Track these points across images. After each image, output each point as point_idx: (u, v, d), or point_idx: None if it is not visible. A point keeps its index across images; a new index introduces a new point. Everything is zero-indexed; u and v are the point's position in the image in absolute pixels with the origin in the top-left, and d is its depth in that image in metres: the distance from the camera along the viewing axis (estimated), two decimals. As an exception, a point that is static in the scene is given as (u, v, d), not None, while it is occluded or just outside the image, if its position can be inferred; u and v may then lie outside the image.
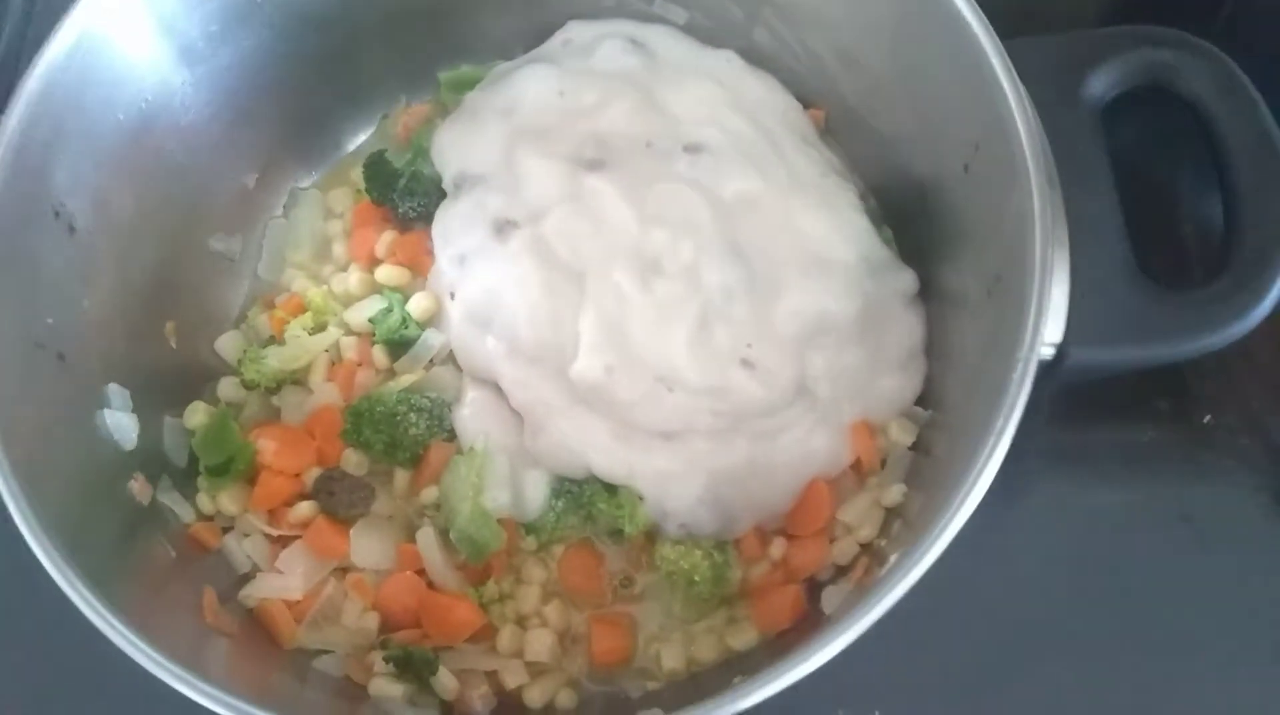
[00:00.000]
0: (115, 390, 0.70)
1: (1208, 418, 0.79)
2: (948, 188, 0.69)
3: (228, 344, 0.81)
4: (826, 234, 0.74)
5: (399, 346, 0.77)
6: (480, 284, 0.74)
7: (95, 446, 0.68)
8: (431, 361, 0.77)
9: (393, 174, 0.81)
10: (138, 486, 0.70)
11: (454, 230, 0.77)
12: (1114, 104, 0.64)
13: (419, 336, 0.77)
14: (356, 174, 0.84)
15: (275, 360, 0.76)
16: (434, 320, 0.78)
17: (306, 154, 0.86)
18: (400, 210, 0.81)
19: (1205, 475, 0.78)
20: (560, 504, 0.73)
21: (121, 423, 0.70)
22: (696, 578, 0.70)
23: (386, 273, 0.79)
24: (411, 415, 0.73)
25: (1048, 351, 0.57)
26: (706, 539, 0.71)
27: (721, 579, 0.70)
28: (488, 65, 0.84)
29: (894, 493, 0.70)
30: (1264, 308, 0.57)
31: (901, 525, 0.69)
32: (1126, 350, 0.58)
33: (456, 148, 0.79)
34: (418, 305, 0.77)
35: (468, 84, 0.84)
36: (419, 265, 0.80)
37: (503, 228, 0.74)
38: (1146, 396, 0.80)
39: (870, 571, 0.67)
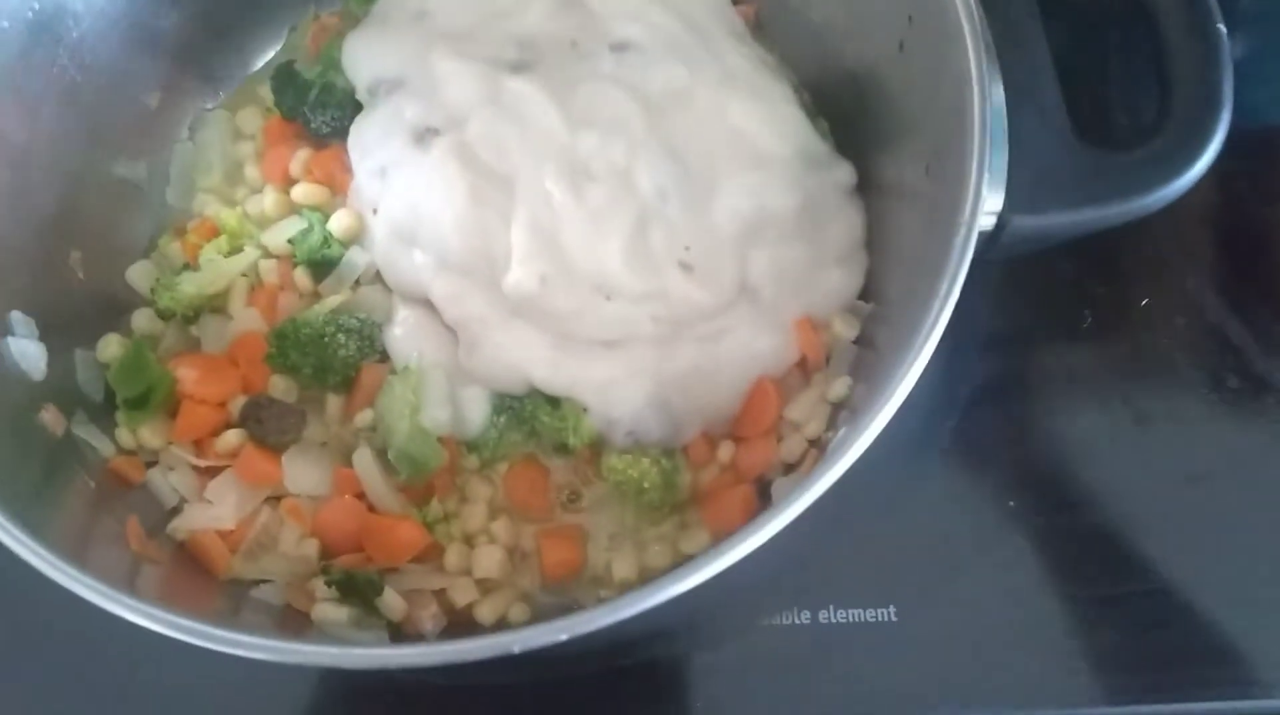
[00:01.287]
0: (19, 318, 0.67)
1: (1144, 301, 0.80)
2: (883, 71, 0.67)
3: (139, 274, 0.76)
4: (761, 128, 0.72)
5: (322, 267, 0.74)
6: (403, 197, 0.71)
7: (2, 376, 0.64)
8: (358, 281, 0.74)
9: (303, 86, 0.77)
10: (50, 417, 0.66)
11: (371, 141, 0.73)
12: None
13: (342, 256, 0.73)
14: (265, 92, 0.80)
15: (191, 286, 0.72)
16: (357, 238, 0.74)
17: (211, 72, 0.81)
18: (313, 125, 0.77)
19: (1143, 357, 0.79)
20: (502, 420, 0.71)
21: (27, 351, 0.66)
22: (646, 485, 0.68)
23: (304, 191, 0.76)
24: (340, 336, 0.70)
25: (989, 220, 0.56)
26: (654, 446, 0.69)
27: (671, 485, 0.69)
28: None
29: (839, 387, 0.70)
30: (1203, 163, 0.56)
31: (848, 417, 0.68)
32: (1067, 215, 0.57)
33: (369, 54, 0.75)
34: (339, 223, 0.74)
35: (375, -8, 0.80)
36: (337, 182, 0.76)
37: (423, 136, 0.71)
38: (1082, 282, 0.80)
39: (819, 466, 0.66)
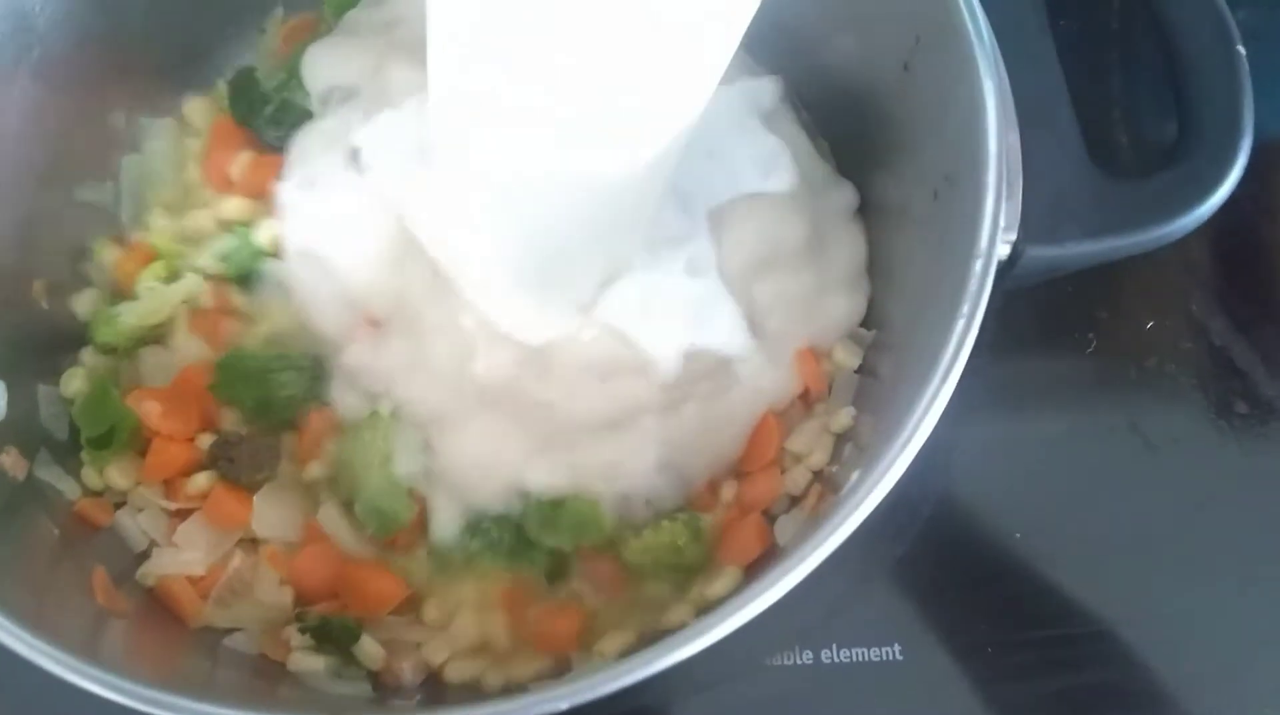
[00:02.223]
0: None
1: (1150, 324, 0.78)
2: (886, 92, 0.64)
3: (84, 303, 0.70)
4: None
5: (255, 285, 0.69)
6: (319, 216, 0.66)
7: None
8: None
9: (260, 98, 0.72)
10: (9, 461, 0.62)
11: (310, 150, 0.68)
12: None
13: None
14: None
15: (131, 317, 0.68)
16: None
17: (182, 87, 0.77)
18: (265, 138, 0.72)
19: (1150, 381, 0.77)
20: (475, 544, 0.64)
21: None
22: (681, 543, 0.63)
23: (236, 205, 0.70)
24: (285, 375, 0.65)
25: (1004, 249, 0.54)
26: (669, 507, 0.65)
27: (700, 536, 0.63)
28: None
29: (843, 417, 0.67)
30: (1225, 188, 0.54)
31: (852, 449, 0.66)
32: (1086, 244, 0.55)
33: (327, 62, 0.71)
34: (266, 233, 0.68)
35: (352, 2, 0.76)
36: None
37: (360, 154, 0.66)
38: (1087, 307, 0.78)
39: (824, 498, 0.64)
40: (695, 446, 0.65)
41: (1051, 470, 0.74)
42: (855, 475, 0.52)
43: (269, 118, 0.72)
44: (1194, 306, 0.78)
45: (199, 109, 0.76)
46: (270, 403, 0.65)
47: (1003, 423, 0.75)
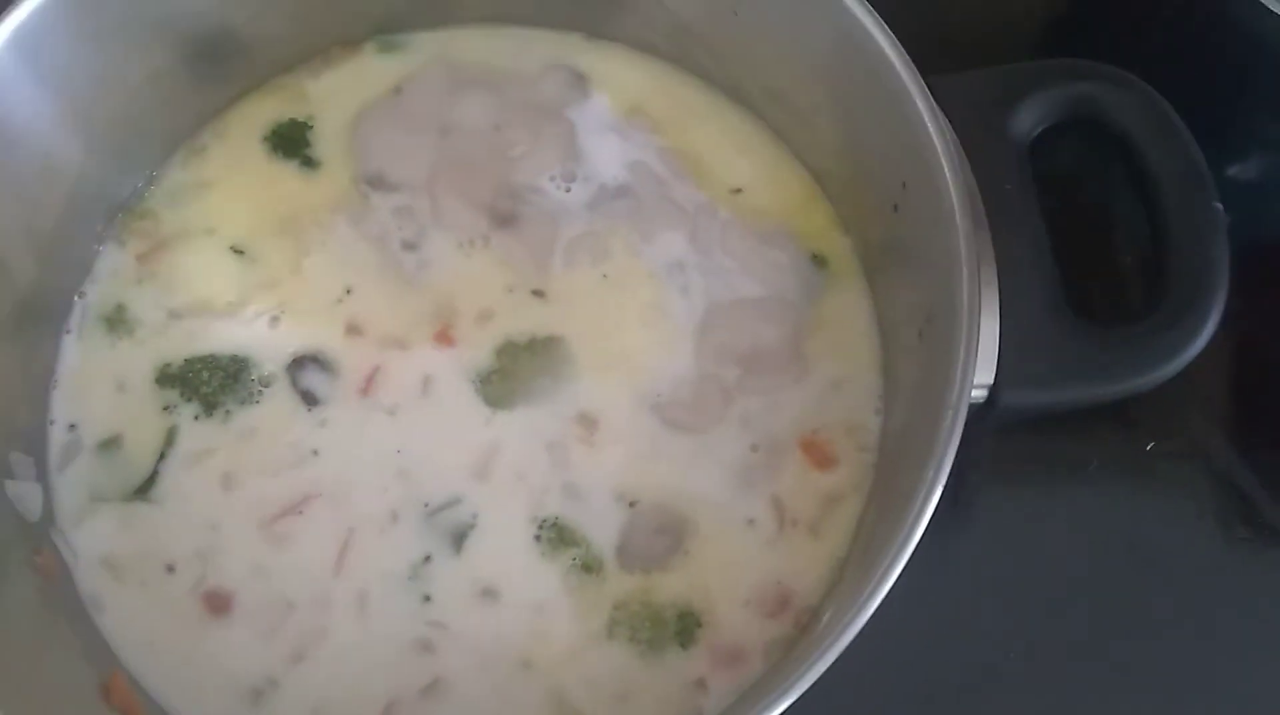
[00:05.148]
0: (18, 459, 0.67)
1: (1150, 445, 0.79)
2: (880, 227, 0.67)
3: None
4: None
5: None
6: None
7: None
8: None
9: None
10: (42, 561, 0.65)
11: None
12: (1046, 136, 0.63)
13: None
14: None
15: None
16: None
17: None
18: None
19: (1150, 502, 0.77)
20: None
21: (24, 493, 0.66)
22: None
23: None
24: None
25: (978, 395, 0.56)
26: None
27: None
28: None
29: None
30: (1196, 346, 0.56)
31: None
32: (1058, 391, 0.57)
33: None
34: None
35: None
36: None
37: None
38: (1089, 424, 0.79)
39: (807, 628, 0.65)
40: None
41: (1048, 590, 0.75)
42: (829, 613, 0.54)
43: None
44: (1196, 428, 0.79)
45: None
46: None
47: (1001, 540, 0.76)
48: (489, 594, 0.66)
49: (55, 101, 0.65)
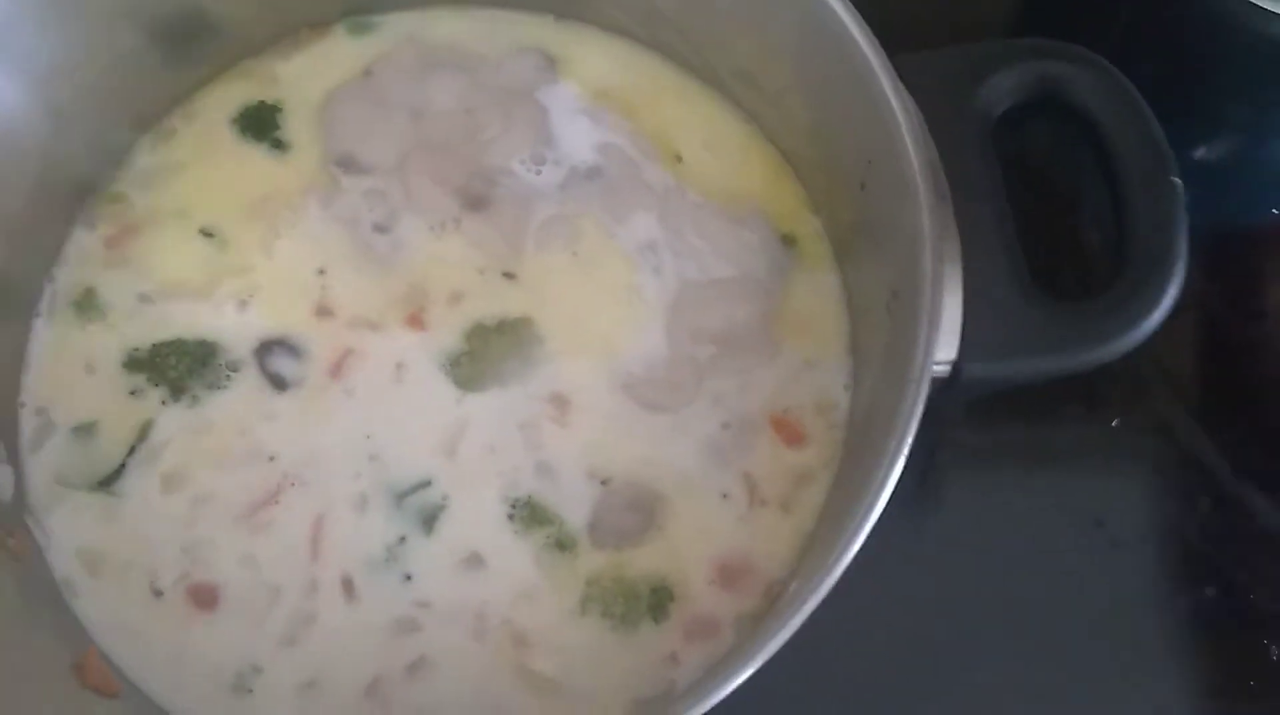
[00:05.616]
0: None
1: (1116, 421, 0.80)
2: (849, 205, 0.68)
3: None
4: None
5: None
6: None
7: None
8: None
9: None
10: (15, 543, 0.65)
11: None
12: (1012, 114, 0.64)
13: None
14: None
15: None
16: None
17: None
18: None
19: (1116, 478, 0.79)
20: None
21: (-1, 474, 0.66)
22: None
23: None
24: None
25: (942, 369, 0.57)
26: None
27: None
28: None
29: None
30: (1154, 319, 0.56)
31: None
32: (1019, 363, 0.58)
33: None
34: None
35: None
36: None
37: None
38: (1056, 401, 0.80)
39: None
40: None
41: (1014, 565, 0.76)
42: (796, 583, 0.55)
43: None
44: (1160, 404, 0.80)
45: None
46: None
47: (968, 518, 0.77)
48: (470, 566, 0.67)
49: (22, 83, 0.65)
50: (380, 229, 0.73)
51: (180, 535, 0.67)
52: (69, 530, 0.68)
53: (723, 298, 0.72)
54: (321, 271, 0.72)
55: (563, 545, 0.67)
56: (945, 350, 0.57)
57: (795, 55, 0.66)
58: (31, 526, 0.67)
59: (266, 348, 0.70)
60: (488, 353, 0.70)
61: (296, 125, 0.76)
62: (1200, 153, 0.86)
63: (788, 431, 0.69)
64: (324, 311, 0.71)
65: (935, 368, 0.55)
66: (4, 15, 0.62)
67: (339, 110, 0.76)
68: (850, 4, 0.61)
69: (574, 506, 0.68)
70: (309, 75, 0.77)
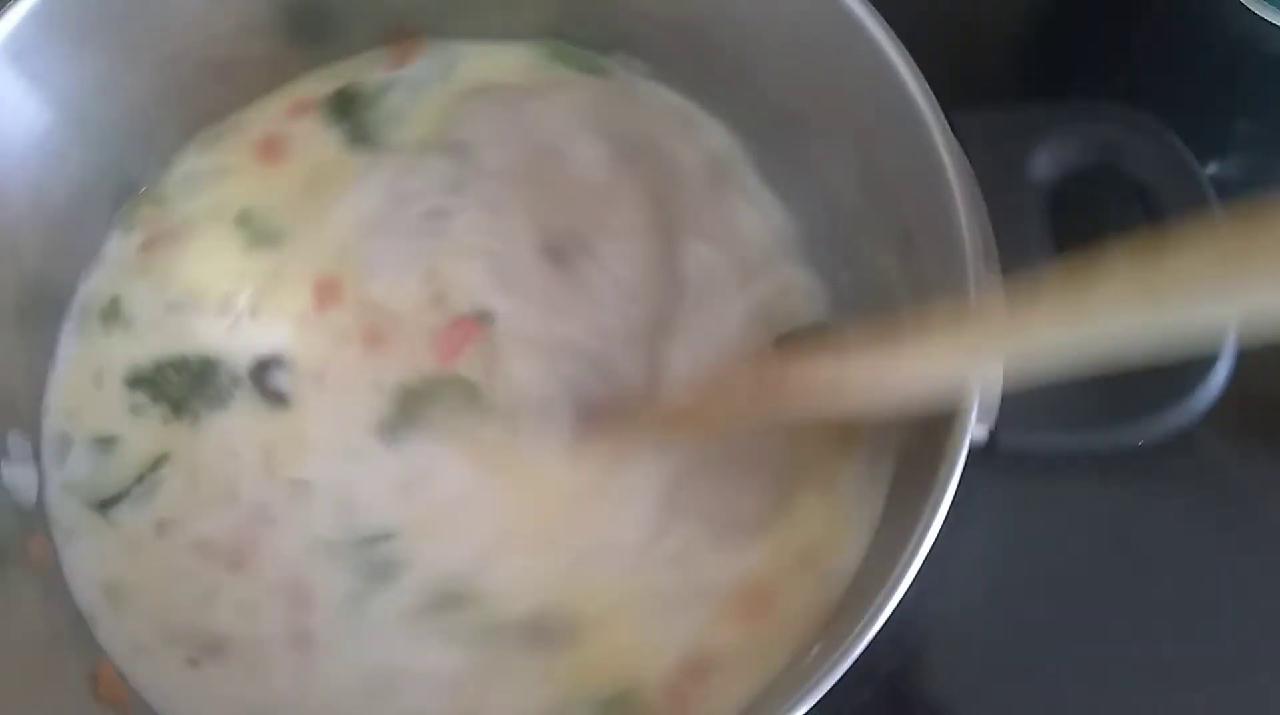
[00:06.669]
0: (16, 441, 0.66)
1: (1140, 441, 0.78)
2: (889, 264, 0.67)
3: None
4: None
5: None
6: None
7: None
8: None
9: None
10: (37, 550, 0.65)
11: None
12: (1066, 180, 0.63)
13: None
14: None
15: None
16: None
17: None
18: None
19: (1140, 498, 0.77)
20: None
21: (19, 477, 0.65)
22: None
23: None
24: None
25: (980, 434, 0.56)
26: None
27: None
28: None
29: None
30: (1209, 393, 0.55)
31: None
32: (1059, 437, 0.57)
33: None
34: None
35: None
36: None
37: None
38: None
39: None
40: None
41: (1038, 586, 0.74)
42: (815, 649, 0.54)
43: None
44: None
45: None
46: None
47: (991, 541, 0.75)
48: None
49: (64, 88, 0.65)
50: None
51: (179, 562, 0.66)
52: (82, 537, 0.67)
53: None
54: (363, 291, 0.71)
55: None
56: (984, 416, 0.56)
57: (845, 100, 0.65)
58: (53, 533, 0.66)
59: (265, 365, 0.69)
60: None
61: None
62: (1214, 170, 0.84)
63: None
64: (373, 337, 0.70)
65: (973, 433, 0.55)
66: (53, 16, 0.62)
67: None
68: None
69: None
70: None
